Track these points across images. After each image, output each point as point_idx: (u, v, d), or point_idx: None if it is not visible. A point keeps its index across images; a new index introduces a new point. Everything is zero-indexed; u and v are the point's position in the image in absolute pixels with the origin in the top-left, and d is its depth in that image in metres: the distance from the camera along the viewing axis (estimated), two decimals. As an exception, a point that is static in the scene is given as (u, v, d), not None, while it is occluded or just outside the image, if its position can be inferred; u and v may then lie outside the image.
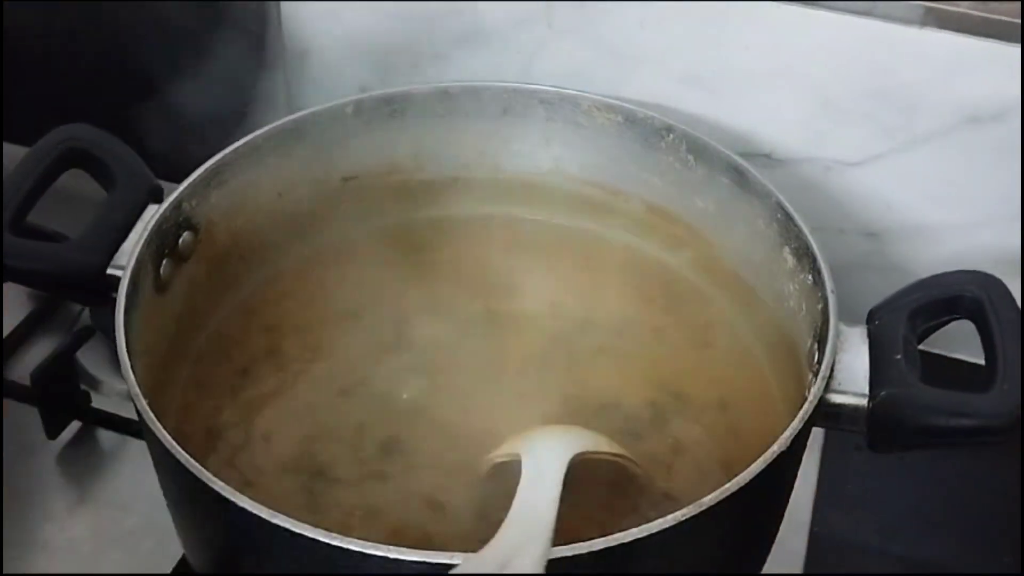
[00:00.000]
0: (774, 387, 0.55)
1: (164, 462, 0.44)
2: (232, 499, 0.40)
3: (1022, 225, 0.64)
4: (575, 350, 0.57)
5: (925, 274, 0.51)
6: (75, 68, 0.73)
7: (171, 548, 0.56)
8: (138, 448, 0.63)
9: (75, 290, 0.52)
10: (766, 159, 0.67)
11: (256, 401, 0.55)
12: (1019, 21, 0.59)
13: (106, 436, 0.64)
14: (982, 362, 0.47)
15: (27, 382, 0.63)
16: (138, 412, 0.44)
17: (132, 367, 0.45)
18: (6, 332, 0.69)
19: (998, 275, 0.50)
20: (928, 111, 0.62)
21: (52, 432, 0.63)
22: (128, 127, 0.59)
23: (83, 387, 0.65)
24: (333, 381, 0.56)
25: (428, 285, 0.60)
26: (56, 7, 0.72)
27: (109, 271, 0.51)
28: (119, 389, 0.66)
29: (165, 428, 0.43)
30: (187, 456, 0.41)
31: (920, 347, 0.49)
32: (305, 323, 0.58)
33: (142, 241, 0.50)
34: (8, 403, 0.65)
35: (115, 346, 0.62)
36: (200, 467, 0.41)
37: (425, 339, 0.58)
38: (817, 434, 0.63)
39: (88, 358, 0.67)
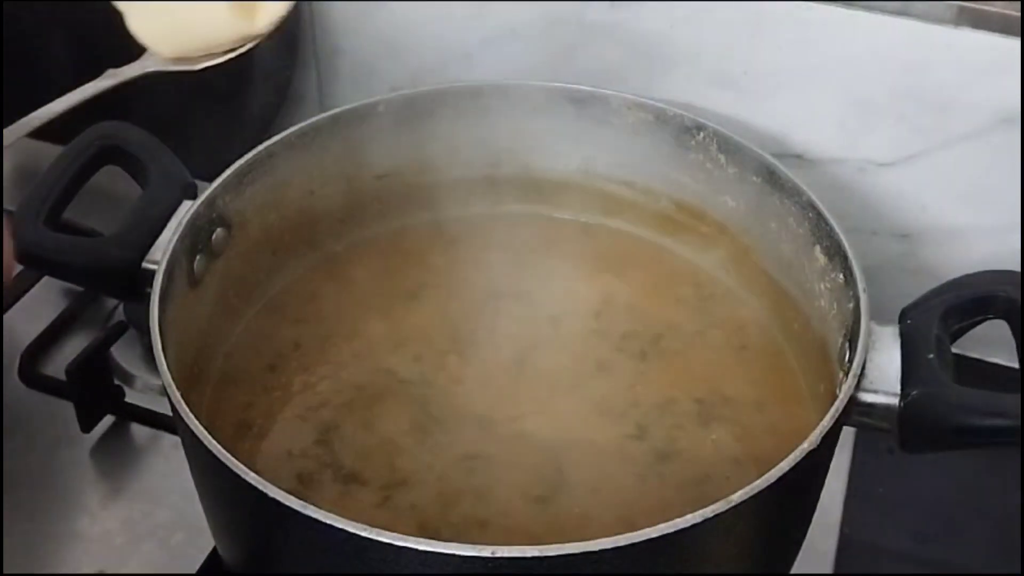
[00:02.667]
0: (804, 387, 0.54)
1: (197, 454, 0.44)
2: (264, 490, 0.40)
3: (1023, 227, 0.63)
4: (604, 348, 0.57)
5: (958, 276, 0.51)
6: (107, 66, 0.74)
7: (202, 541, 0.57)
8: (170, 442, 0.64)
9: (111, 284, 0.52)
10: (798, 160, 0.67)
11: (284, 396, 0.55)
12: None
13: (139, 431, 0.65)
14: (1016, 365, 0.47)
15: (62, 377, 0.64)
16: (172, 404, 0.44)
17: (166, 360, 0.46)
18: (41, 328, 0.69)
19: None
20: (962, 111, 0.62)
21: (86, 426, 0.64)
22: (162, 125, 0.60)
23: (117, 382, 0.66)
24: (360, 377, 0.56)
25: (458, 283, 0.60)
26: (88, 6, 0.72)
27: (144, 266, 0.51)
28: (152, 384, 0.66)
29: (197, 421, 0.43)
30: (219, 447, 0.42)
31: (955, 351, 0.49)
32: (334, 320, 0.59)
33: (176, 236, 0.51)
34: (43, 397, 0.66)
35: (148, 341, 0.63)
36: (232, 458, 0.41)
37: (455, 337, 0.58)
38: (847, 437, 0.63)
39: (122, 353, 0.67)
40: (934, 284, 0.51)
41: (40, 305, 0.71)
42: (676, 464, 0.51)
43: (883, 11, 0.61)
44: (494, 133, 0.63)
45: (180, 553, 0.58)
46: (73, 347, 0.68)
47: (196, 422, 0.43)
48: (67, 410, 0.64)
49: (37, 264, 0.52)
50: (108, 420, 0.65)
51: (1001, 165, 0.63)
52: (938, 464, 0.63)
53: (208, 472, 0.45)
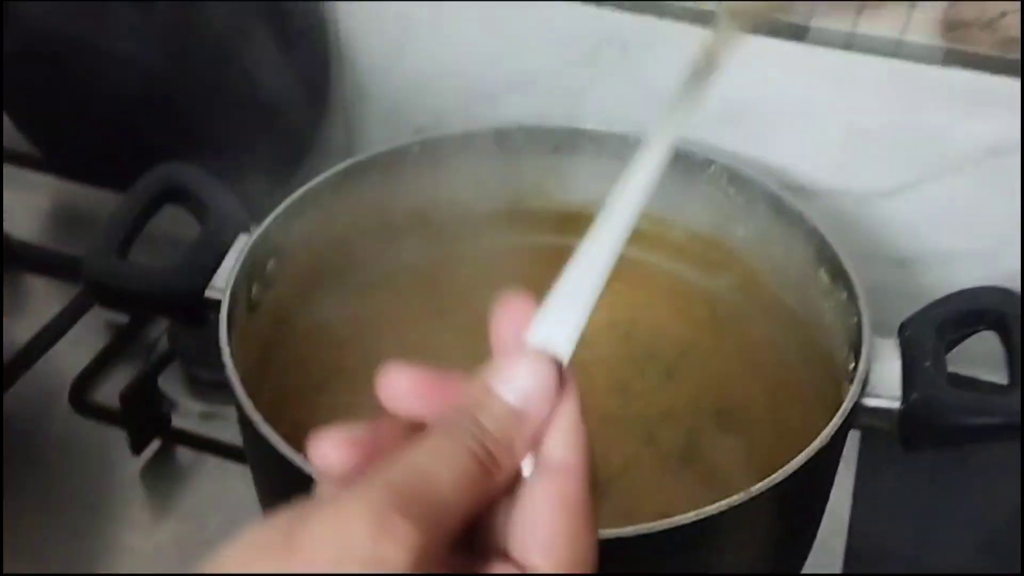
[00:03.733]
0: (813, 397, 0.57)
1: (267, 460, 0.48)
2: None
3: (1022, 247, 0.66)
4: (633, 366, 0.61)
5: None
6: (151, 112, 0.78)
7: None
8: (213, 463, 0.67)
9: (175, 310, 0.56)
10: (800, 191, 0.69)
11: (331, 415, 0.58)
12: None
13: (183, 453, 0.68)
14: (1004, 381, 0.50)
15: (111, 404, 0.67)
16: (244, 416, 0.48)
17: (239, 376, 0.49)
18: (88, 359, 0.72)
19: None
20: (952, 144, 0.65)
21: (137, 448, 0.67)
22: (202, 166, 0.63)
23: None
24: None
25: (487, 308, 0.63)
26: (133, 51, 0.75)
27: (207, 294, 0.55)
28: (193, 409, 0.70)
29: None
30: (288, 448, 0.45)
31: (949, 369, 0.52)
32: (375, 343, 0.60)
33: (238, 265, 0.54)
34: (89, 423, 0.68)
35: (193, 368, 0.67)
36: (300, 456, 0.45)
37: (485, 359, 0.61)
38: (851, 447, 0.66)
39: (165, 381, 0.71)
40: (931, 307, 0.54)
41: (85, 338, 0.74)
42: (700, 466, 0.55)
43: (877, 52, 0.64)
44: (518, 170, 0.66)
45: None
46: (118, 376, 0.70)
47: (271, 430, 0.46)
48: (117, 434, 0.67)
49: (109, 294, 0.56)
50: (155, 444, 0.68)
51: (990, 193, 0.66)
52: (940, 473, 0.66)
53: (276, 475, 0.49)
